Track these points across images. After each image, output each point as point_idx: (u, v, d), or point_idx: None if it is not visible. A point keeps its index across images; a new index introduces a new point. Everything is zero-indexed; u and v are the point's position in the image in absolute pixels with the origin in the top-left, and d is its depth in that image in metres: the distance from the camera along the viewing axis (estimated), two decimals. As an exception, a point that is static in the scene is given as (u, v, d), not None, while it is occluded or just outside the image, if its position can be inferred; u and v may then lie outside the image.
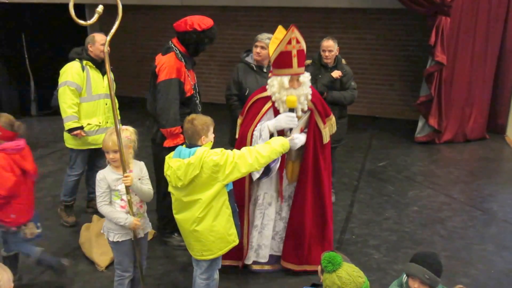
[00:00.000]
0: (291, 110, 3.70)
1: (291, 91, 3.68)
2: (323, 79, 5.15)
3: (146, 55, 10.51)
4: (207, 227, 3.23)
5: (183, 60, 4.17)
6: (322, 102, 3.99)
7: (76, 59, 4.77)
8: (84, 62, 4.75)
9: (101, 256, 4.29)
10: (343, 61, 5.43)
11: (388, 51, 9.21)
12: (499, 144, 7.87)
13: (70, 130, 4.71)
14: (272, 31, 4.57)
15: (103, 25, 8.45)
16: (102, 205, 3.30)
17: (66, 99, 4.68)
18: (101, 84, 4.84)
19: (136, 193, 3.30)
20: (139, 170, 3.39)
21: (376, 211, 5.43)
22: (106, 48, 3.24)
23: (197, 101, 4.37)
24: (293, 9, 9.15)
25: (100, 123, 4.86)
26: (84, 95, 4.76)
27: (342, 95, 5.27)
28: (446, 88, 7.53)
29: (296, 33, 3.55)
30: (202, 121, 3.18)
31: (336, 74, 5.18)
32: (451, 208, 5.51)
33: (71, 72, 4.68)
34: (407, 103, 9.18)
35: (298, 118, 3.77)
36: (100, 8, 2.99)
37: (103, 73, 4.84)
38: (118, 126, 3.15)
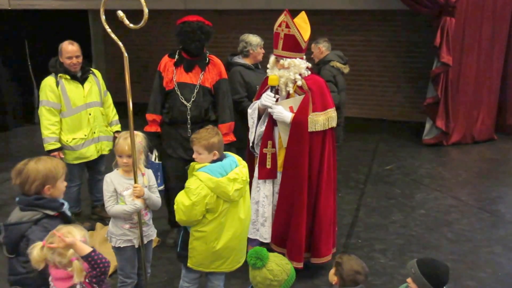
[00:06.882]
0: (272, 88, 3.86)
1: (277, 71, 3.84)
2: None
3: (149, 59, 10.29)
4: (247, 225, 3.35)
5: (176, 57, 4.30)
6: (323, 92, 3.91)
7: (52, 73, 4.61)
8: (59, 75, 4.56)
9: (104, 264, 4.26)
10: (334, 63, 5.34)
11: (394, 53, 9.20)
12: (507, 145, 7.82)
13: (48, 152, 4.58)
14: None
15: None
16: (110, 208, 3.22)
17: (42, 120, 4.57)
18: (82, 95, 4.64)
19: (147, 203, 3.25)
20: (146, 179, 3.33)
21: (382, 215, 5.39)
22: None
23: (182, 99, 4.23)
24: (298, 12, 9.11)
25: (86, 135, 4.68)
26: (64, 110, 4.59)
27: None
28: (453, 89, 7.49)
29: (287, 18, 3.73)
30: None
31: None
32: (458, 211, 5.47)
33: (45, 91, 4.54)
34: (414, 105, 9.15)
35: (289, 96, 3.91)
36: (120, 12, 3.02)
37: (82, 82, 4.66)
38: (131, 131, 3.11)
